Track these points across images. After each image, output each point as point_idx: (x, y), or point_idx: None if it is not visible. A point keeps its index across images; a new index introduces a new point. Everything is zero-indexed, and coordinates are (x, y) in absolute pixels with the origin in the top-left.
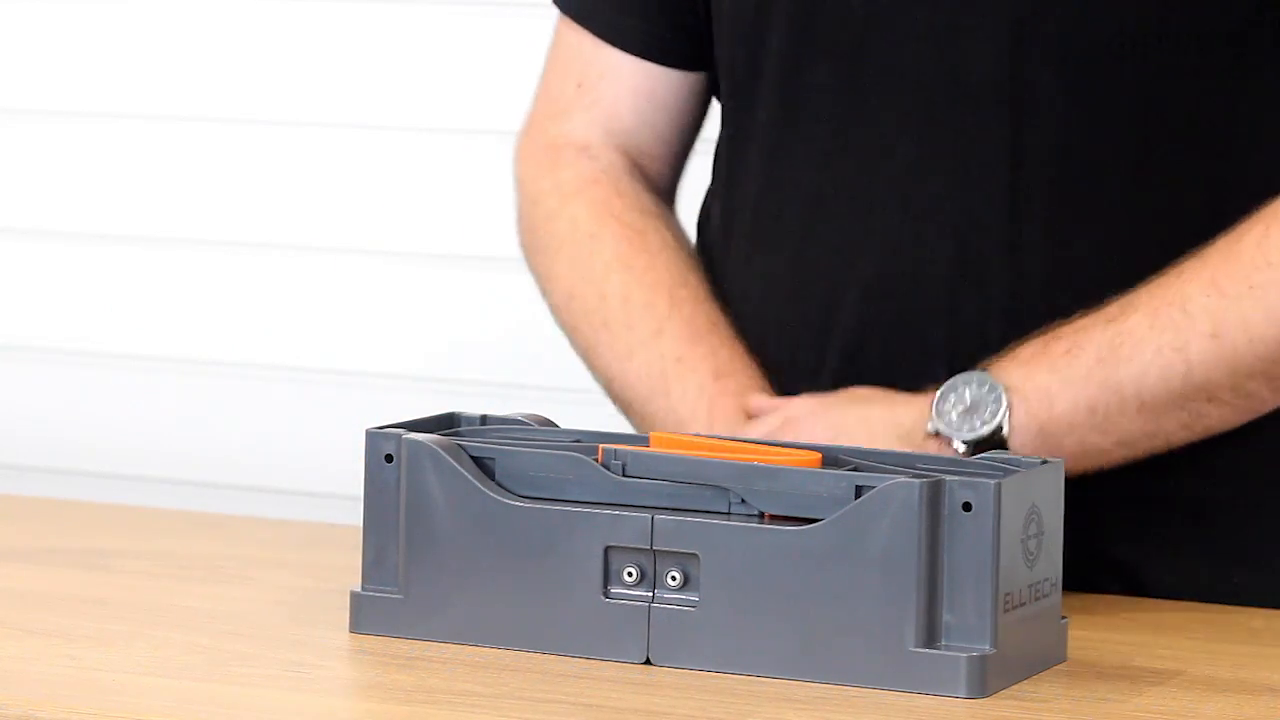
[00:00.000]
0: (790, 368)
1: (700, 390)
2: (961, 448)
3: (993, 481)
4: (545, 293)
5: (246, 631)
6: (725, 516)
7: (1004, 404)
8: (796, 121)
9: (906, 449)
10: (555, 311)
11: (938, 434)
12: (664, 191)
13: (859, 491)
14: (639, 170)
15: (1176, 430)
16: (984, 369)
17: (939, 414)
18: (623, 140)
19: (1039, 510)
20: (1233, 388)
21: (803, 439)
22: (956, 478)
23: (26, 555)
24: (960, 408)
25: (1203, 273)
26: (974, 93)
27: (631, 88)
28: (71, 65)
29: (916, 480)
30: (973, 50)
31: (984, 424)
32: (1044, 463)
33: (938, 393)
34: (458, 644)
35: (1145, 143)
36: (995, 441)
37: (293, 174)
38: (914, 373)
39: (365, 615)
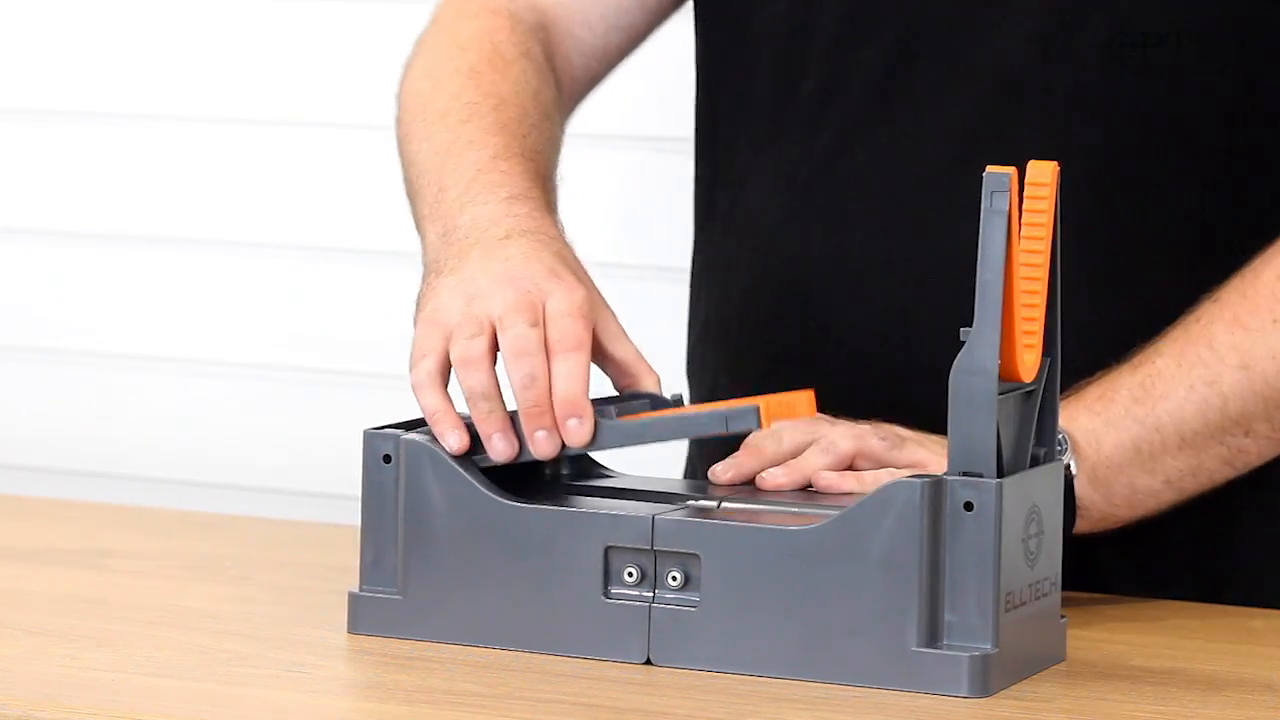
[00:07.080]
0: (818, 335)
1: (475, 165)
2: None
3: (994, 481)
4: (397, 96)
5: (246, 631)
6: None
7: (1068, 445)
8: (842, 96)
9: None
10: (397, 103)
11: None
12: (566, 77)
13: None
14: (546, 38)
15: (1219, 467)
16: None
17: None
18: (541, 3)
19: (1039, 510)
20: (1267, 418)
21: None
22: (958, 477)
23: (26, 555)
24: None
25: (1223, 313)
26: (1018, 86)
27: None
28: (71, 65)
29: (918, 480)
30: (1016, 42)
31: None
32: (1045, 463)
33: None
34: (457, 644)
35: (1193, 136)
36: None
37: (293, 174)
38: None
39: (364, 616)
